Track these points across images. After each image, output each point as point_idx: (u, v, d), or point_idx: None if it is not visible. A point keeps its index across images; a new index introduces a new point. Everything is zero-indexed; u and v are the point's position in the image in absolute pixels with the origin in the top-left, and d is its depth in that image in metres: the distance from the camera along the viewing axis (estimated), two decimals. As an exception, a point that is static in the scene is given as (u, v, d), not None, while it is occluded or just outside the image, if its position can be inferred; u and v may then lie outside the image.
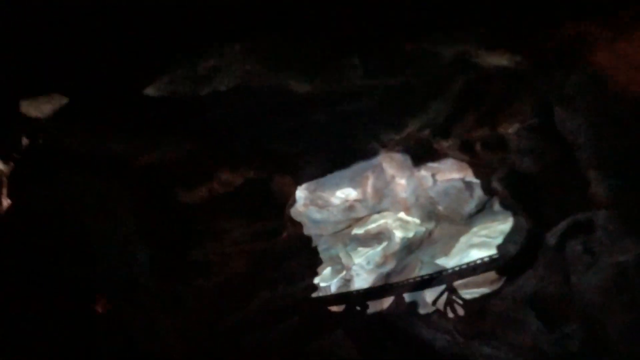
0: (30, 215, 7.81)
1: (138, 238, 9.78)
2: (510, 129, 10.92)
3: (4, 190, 8.50)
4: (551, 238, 9.75)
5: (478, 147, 11.62)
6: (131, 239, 9.72)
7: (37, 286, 7.10)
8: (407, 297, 13.90)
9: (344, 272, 15.64)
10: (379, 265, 18.14)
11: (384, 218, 19.39)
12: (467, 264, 13.46)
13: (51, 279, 7.30)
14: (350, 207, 19.65)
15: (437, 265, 15.29)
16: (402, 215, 19.18)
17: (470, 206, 17.72)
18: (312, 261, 14.35)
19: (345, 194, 19.33)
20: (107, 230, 9.10)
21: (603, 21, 7.08)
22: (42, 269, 7.34)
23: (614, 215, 8.05)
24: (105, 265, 8.53)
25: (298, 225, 14.83)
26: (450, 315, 12.06)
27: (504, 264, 12.07)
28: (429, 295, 14.32)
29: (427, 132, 12.39)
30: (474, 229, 17.53)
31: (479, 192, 16.17)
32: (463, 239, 15.35)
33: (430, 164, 16.11)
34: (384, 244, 16.93)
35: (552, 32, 8.06)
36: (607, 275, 7.48)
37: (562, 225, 9.41)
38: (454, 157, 13.60)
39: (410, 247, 17.43)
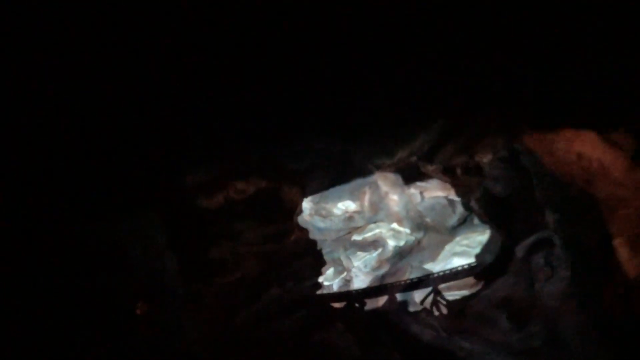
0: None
1: (168, 249, 10.09)
2: (484, 159, 11.48)
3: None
4: (519, 251, 10.57)
5: (458, 171, 12.19)
6: (162, 251, 10.07)
7: (92, 293, 7.47)
8: (398, 296, 14.39)
9: (345, 273, 15.92)
10: (375, 269, 18.85)
11: (379, 228, 20.25)
12: (450, 269, 14.12)
13: (102, 288, 7.79)
14: (349, 217, 20.59)
15: (424, 269, 15.71)
16: (394, 225, 20.09)
17: (453, 220, 18.76)
18: (317, 262, 14.82)
19: (346, 206, 20.23)
20: (143, 246, 9.45)
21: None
22: (94, 281, 7.72)
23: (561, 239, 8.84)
24: (142, 275, 9.19)
25: (304, 230, 15.19)
26: (436, 313, 12.62)
27: (481, 270, 12.65)
28: (418, 295, 14.75)
29: (414, 158, 12.66)
30: (457, 239, 18.26)
31: (460, 209, 17.11)
32: (447, 247, 15.92)
33: (419, 183, 16.93)
34: (379, 250, 17.75)
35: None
36: (562, 285, 8.49)
37: (528, 241, 10.18)
38: (439, 179, 14.21)
39: (401, 253, 18.27)
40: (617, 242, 6.11)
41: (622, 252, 6.05)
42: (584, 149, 5.83)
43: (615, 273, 6.26)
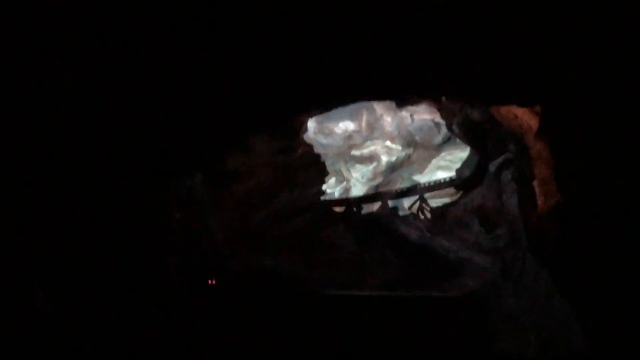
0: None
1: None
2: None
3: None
4: (492, 167, 11.09)
5: (443, 99, 12.17)
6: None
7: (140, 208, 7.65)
8: (390, 203, 15.33)
9: (345, 183, 16.59)
10: (370, 179, 20.06)
11: (374, 145, 20.94)
12: (435, 181, 15.12)
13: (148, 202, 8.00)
14: (349, 135, 21.20)
15: (413, 180, 16.85)
16: (388, 143, 20.67)
17: (439, 139, 19.21)
18: (320, 173, 15.65)
19: (345, 125, 20.91)
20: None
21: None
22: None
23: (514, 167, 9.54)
24: (176, 188, 9.68)
25: (310, 146, 15.66)
26: (421, 217, 13.56)
27: (460, 182, 13.48)
28: (406, 202, 15.71)
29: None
30: (442, 155, 19.00)
31: (444, 130, 17.13)
32: (433, 162, 17.38)
33: (410, 107, 16.73)
34: (375, 163, 19.09)
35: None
36: (521, 196, 9.09)
37: (499, 160, 10.63)
38: (427, 104, 14.65)
39: (393, 167, 19.49)
40: (534, 182, 7.47)
41: (537, 190, 7.34)
42: (518, 112, 6.92)
43: (534, 204, 7.65)
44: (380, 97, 10.77)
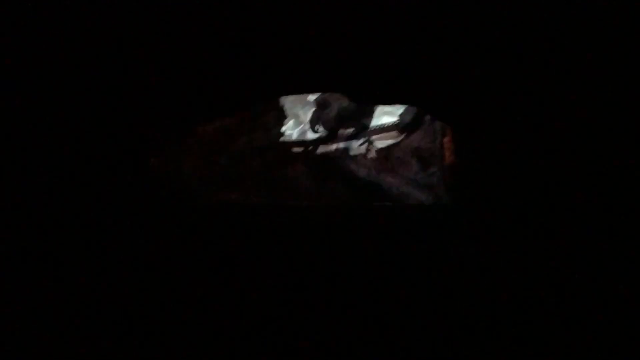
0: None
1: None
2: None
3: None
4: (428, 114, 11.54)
5: None
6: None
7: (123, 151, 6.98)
8: (342, 144, 16.04)
9: (302, 125, 17.35)
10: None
11: (329, 93, 16.71)
12: (381, 124, 15.69)
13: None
14: None
15: (362, 124, 16.04)
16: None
17: None
18: (280, 116, 16.42)
19: None
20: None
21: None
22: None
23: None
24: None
25: None
26: (369, 157, 14.55)
27: (402, 126, 14.28)
28: (356, 143, 15.98)
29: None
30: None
31: None
32: (379, 108, 15.83)
33: None
34: (328, 108, 16.97)
35: None
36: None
37: None
38: None
39: (345, 111, 17.26)
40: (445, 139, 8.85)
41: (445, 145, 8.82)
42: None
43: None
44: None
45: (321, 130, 16.27)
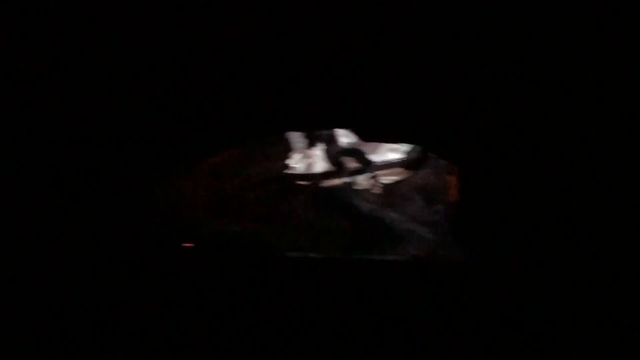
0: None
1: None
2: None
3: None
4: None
5: None
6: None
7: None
8: (347, 178, 15.30)
9: (308, 159, 17.53)
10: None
11: (335, 129, 14.73)
12: (386, 161, 15.18)
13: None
14: None
15: (367, 159, 14.52)
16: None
17: None
18: (286, 149, 14.87)
19: None
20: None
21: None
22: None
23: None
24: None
25: None
26: (373, 192, 14.15)
27: (408, 164, 13.91)
28: (361, 178, 15.38)
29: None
30: None
31: None
32: (385, 145, 17.23)
33: None
34: (334, 144, 18.99)
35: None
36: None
37: None
38: None
39: (351, 147, 14.78)
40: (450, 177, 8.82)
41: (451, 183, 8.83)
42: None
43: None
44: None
45: (326, 165, 16.19)
